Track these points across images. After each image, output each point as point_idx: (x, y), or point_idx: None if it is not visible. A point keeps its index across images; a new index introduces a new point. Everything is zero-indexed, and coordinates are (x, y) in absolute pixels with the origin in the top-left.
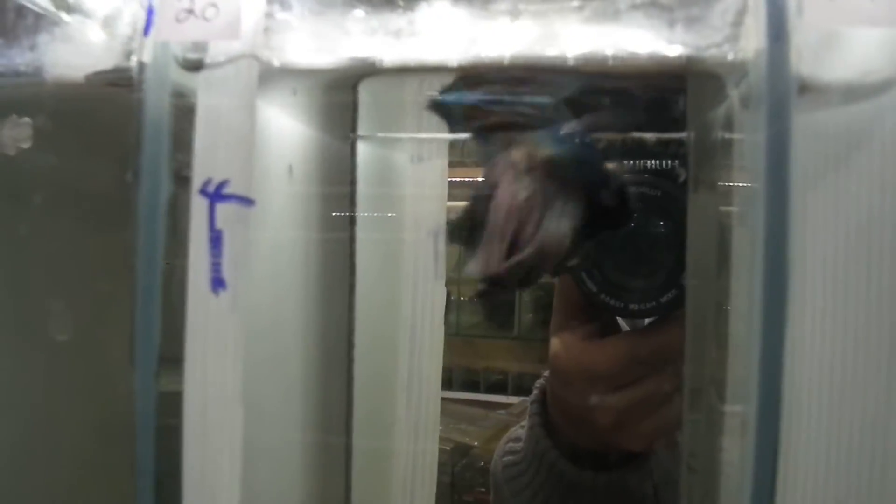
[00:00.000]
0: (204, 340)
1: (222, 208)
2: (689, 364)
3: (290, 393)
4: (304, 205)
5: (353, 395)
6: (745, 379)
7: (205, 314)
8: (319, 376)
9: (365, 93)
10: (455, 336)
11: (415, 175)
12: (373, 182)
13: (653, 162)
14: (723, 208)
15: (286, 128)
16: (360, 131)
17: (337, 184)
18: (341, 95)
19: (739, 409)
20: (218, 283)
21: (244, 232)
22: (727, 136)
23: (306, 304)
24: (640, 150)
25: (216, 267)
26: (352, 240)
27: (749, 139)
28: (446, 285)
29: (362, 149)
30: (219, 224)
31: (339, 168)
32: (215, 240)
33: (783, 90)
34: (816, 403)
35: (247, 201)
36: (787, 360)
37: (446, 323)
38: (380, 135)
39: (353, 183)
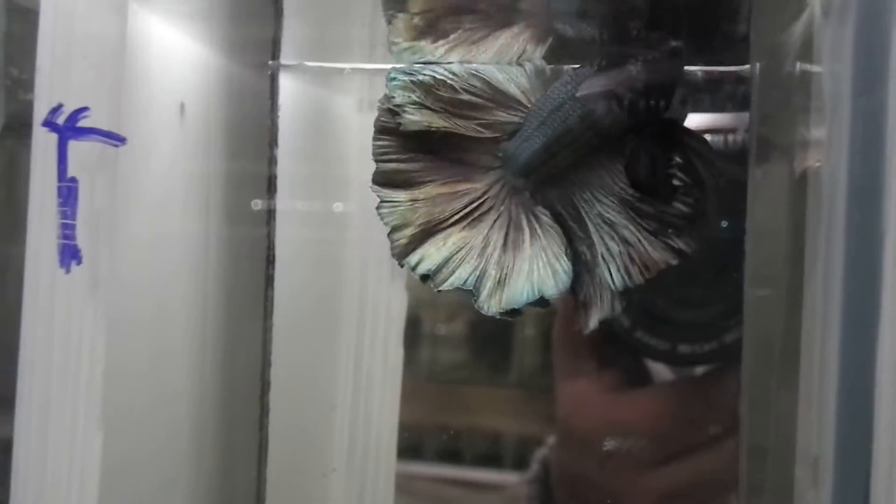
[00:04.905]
0: (48, 337)
1: (78, 148)
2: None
3: (174, 445)
4: (202, 175)
5: (266, 457)
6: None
7: (50, 299)
8: (218, 427)
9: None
10: (430, 382)
11: (365, 130)
12: (302, 140)
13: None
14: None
15: (175, 48)
16: (286, 58)
17: (252, 144)
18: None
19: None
20: (70, 253)
21: (110, 182)
22: (806, 67)
23: (200, 323)
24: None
25: (68, 232)
26: (270, 224)
27: (828, 71)
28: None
29: (290, 86)
30: (72, 170)
31: (253, 115)
32: (66, 193)
33: None
34: None
35: (115, 138)
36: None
37: (416, 364)
38: (312, 63)
39: (273, 134)
